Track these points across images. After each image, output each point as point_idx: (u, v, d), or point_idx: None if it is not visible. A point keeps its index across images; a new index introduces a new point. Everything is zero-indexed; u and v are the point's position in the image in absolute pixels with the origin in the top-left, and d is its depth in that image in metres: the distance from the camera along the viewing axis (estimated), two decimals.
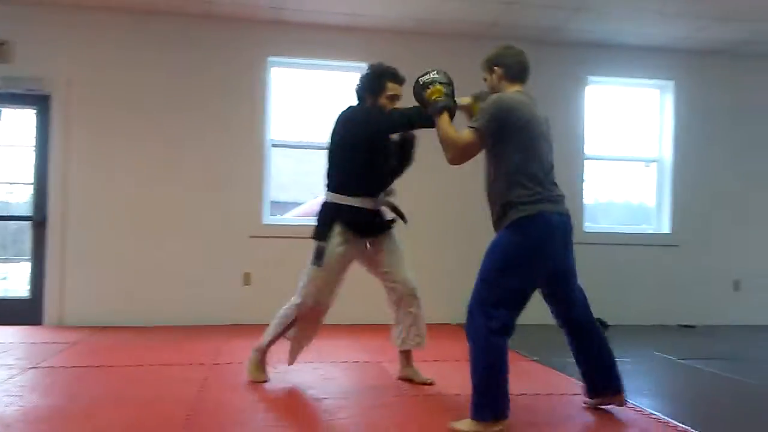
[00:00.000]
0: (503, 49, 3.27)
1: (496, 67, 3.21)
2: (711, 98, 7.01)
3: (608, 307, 5.77)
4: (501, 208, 3.07)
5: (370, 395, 3.66)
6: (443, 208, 6.45)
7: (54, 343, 5.05)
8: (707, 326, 6.62)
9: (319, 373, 4.14)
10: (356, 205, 3.68)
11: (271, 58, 6.31)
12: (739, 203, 7.06)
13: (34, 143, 6.03)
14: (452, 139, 3.08)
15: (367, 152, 3.65)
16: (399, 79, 3.79)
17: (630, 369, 3.98)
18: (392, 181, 3.91)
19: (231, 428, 3.08)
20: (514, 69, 3.20)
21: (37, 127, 6.02)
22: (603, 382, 3.32)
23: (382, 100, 3.73)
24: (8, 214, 6.36)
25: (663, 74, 6.98)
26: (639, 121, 7.20)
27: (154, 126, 6.10)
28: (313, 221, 3.81)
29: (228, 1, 5.78)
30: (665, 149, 7.04)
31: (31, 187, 6.03)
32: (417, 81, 3.28)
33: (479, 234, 6.51)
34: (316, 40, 6.28)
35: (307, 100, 6.70)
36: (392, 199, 3.88)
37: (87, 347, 4.97)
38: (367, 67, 3.85)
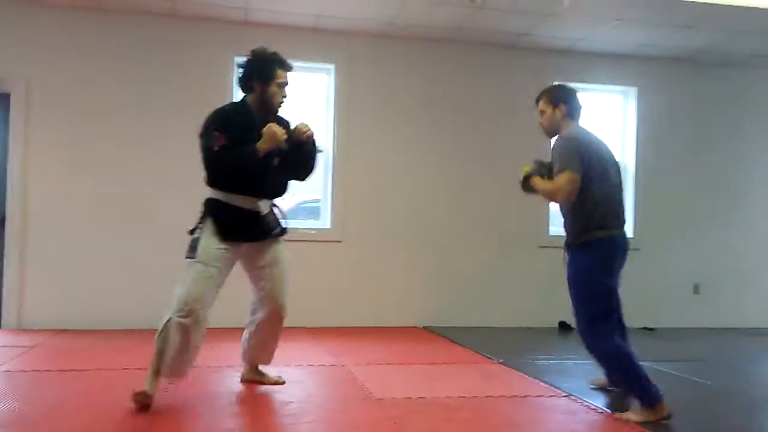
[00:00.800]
0: (563, 88, 3.69)
1: (562, 105, 3.54)
2: (673, 104, 7.16)
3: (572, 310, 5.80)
4: (578, 231, 3.49)
5: (336, 398, 3.65)
6: (415, 220, 6.47)
7: (13, 346, 4.94)
8: (667, 329, 6.74)
9: (285, 376, 4.11)
10: (225, 201, 3.46)
11: (237, 59, 6.24)
12: (700, 207, 7.22)
13: None
14: (554, 187, 3.40)
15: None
16: (287, 67, 3.60)
17: (592, 371, 4.03)
18: (282, 184, 3.69)
19: None
20: (577, 109, 3.60)
21: None
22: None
23: (273, 88, 3.52)
24: None
25: (626, 80, 7.10)
26: (602, 127, 7.29)
27: (116, 126, 6.00)
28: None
29: (194, 1, 5.72)
30: (628, 154, 7.15)
31: None
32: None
33: (447, 243, 6.61)
34: (284, 41, 6.23)
35: None
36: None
37: (47, 351, 4.87)
38: (250, 54, 3.57)
